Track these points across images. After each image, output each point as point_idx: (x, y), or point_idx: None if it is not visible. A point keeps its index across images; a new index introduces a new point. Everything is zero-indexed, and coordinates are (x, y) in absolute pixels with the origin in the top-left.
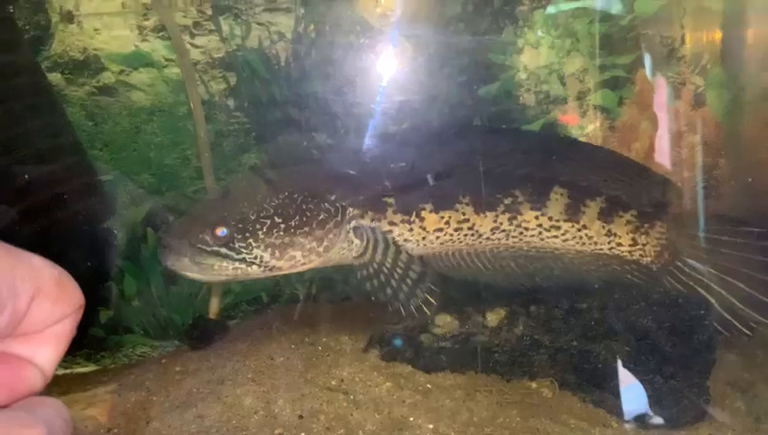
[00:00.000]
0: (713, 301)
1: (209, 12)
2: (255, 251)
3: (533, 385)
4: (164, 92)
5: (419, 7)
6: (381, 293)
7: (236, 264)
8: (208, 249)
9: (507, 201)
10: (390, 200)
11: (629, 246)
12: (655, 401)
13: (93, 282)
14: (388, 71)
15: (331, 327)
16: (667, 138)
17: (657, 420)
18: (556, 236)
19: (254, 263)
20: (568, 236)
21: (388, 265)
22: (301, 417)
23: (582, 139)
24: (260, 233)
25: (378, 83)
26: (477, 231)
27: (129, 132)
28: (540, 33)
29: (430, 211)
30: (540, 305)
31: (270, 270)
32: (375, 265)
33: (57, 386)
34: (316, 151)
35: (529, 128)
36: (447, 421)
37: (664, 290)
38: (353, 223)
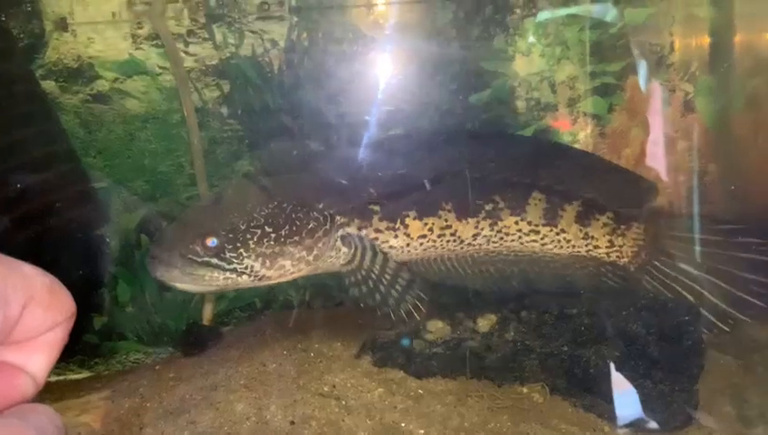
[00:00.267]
0: (690, 298)
1: (203, 20)
2: (246, 261)
3: (524, 390)
4: (158, 100)
5: (411, 16)
6: (370, 299)
7: (227, 274)
8: (199, 260)
9: (488, 207)
10: (376, 208)
11: (606, 247)
12: (644, 405)
13: (87, 288)
14: (380, 78)
15: (324, 333)
16: (660, 143)
17: (647, 424)
18: (535, 241)
19: (244, 273)
20: (547, 240)
21: (376, 272)
22: (293, 423)
23: (574, 145)
24: (250, 243)
25: (370, 91)
26: (459, 237)
27: (123, 140)
28: (531, 39)
29: (414, 218)
30: (530, 311)
31: (260, 280)
32: (363, 272)
33: (51, 393)
34: (307, 158)
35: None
36: (439, 427)
37: (653, 295)
38: (341, 231)
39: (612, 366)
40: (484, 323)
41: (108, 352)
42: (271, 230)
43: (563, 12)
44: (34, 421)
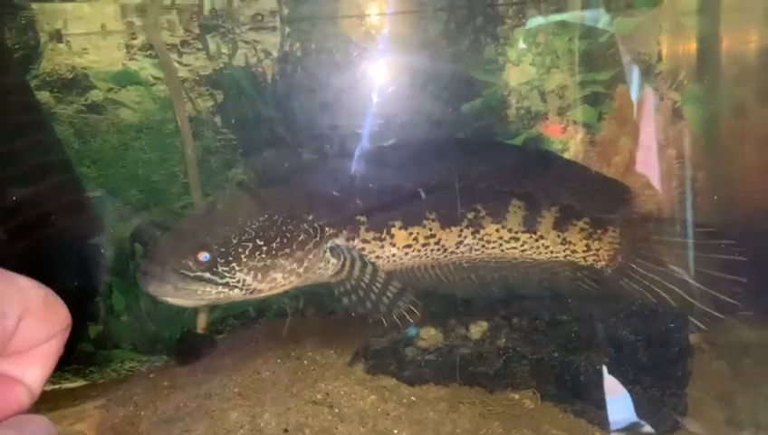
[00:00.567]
0: (667, 298)
1: (196, 31)
2: (238, 275)
3: (516, 397)
4: (152, 110)
5: (403, 26)
6: (360, 307)
7: (219, 288)
8: (191, 275)
9: (470, 216)
10: (363, 219)
11: (583, 252)
12: (634, 410)
13: (82, 298)
14: (372, 88)
15: (317, 341)
16: (649, 151)
17: (638, 429)
18: (515, 248)
19: (236, 286)
20: (526, 246)
21: (366, 282)
22: (286, 431)
23: (564, 153)
24: (242, 256)
25: (362, 101)
26: (443, 246)
27: (117, 149)
28: (522, 45)
29: (400, 228)
30: (522, 317)
31: (251, 293)
32: (352, 282)
33: (46, 402)
34: (296, 168)
35: (511, 143)
36: (431, 434)
37: (637, 298)
38: (330, 242)
39: (602, 372)
40: (476, 330)
41: (103, 361)
42: (262, 243)
43: (555, 18)
44: (31, 432)
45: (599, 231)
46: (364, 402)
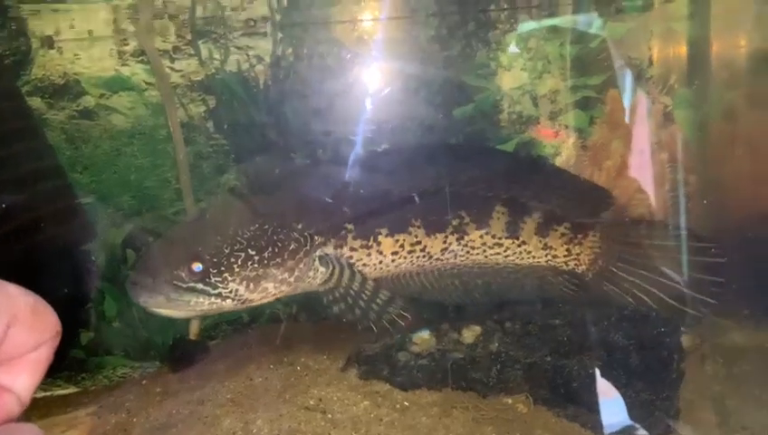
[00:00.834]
0: (647, 301)
1: (189, 36)
2: (231, 285)
3: (509, 401)
4: (144, 116)
5: (395, 32)
6: (350, 314)
7: (212, 298)
8: (184, 286)
9: (455, 222)
10: (350, 226)
11: (564, 256)
12: (627, 414)
13: (74, 304)
14: (364, 94)
15: (310, 347)
16: (642, 155)
17: (630, 432)
18: (499, 253)
19: (228, 297)
20: (509, 252)
21: (355, 290)
22: None
23: (556, 158)
24: (235, 266)
25: (354, 106)
26: (429, 252)
27: (109, 155)
28: (514, 48)
29: (386, 235)
30: (514, 322)
31: (242, 303)
32: (341, 291)
33: (37, 409)
34: (286, 176)
35: (504, 147)
36: None
37: (633, 307)
38: (319, 251)
39: (595, 376)
40: (469, 334)
41: (94, 368)
42: (254, 253)
43: (547, 23)
44: None
45: (579, 236)
46: (357, 408)
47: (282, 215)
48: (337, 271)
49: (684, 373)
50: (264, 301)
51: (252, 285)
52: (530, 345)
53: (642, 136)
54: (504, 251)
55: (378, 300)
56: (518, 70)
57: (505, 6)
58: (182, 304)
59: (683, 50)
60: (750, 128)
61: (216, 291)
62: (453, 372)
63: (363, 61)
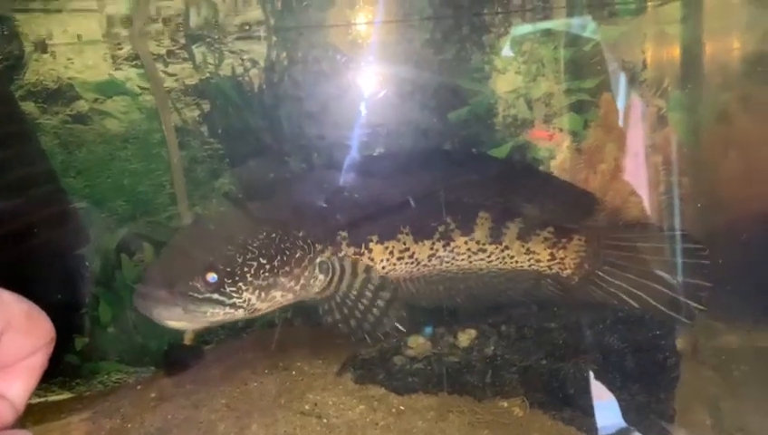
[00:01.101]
0: (634, 304)
1: (183, 41)
2: (245, 295)
3: (505, 404)
4: (138, 120)
5: (390, 35)
6: (345, 326)
7: (227, 309)
8: (200, 297)
9: (441, 229)
10: (344, 234)
11: (548, 261)
12: (623, 417)
13: (68, 309)
14: (359, 97)
15: (305, 351)
16: (638, 157)
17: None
18: (482, 259)
19: (241, 307)
20: (492, 257)
21: (353, 297)
22: None
23: (551, 162)
24: (248, 276)
25: (348, 110)
26: (417, 259)
27: (103, 160)
28: (508, 51)
29: (376, 242)
30: (510, 325)
31: (252, 312)
32: (338, 298)
33: (32, 415)
34: (282, 182)
35: (498, 150)
36: None
37: (628, 310)
38: (319, 258)
39: (590, 379)
40: (464, 338)
41: (89, 373)
42: (265, 262)
43: (543, 26)
44: None
45: (563, 240)
46: (353, 413)
47: (285, 223)
48: (337, 275)
49: (679, 376)
50: (269, 310)
51: (263, 294)
52: (525, 349)
53: (636, 139)
54: (488, 256)
55: (377, 305)
56: (512, 73)
57: (499, 10)
58: (199, 315)
59: (676, 53)
60: (743, 130)
61: (231, 301)
62: (448, 376)
63: (357, 65)
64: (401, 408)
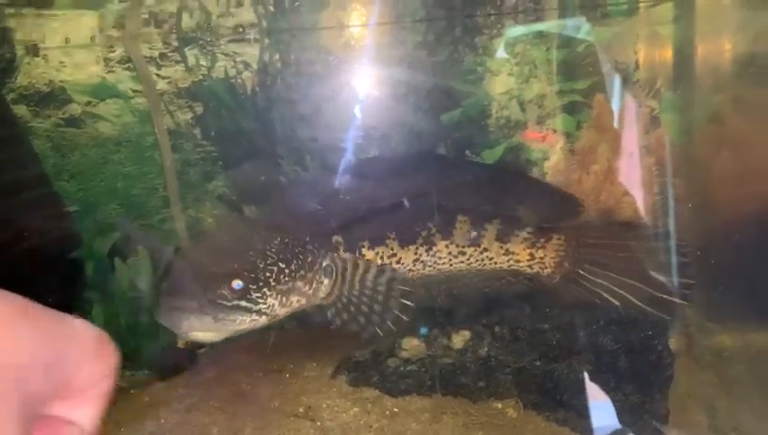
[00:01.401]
0: (615, 302)
1: (175, 43)
2: (269, 300)
3: (499, 406)
4: (131, 123)
5: (382, 37)
6: (354, 324)
7: (253, 316)
8: (229, 304)
9: (424, 234)
10: (340, 239)
11: (527, 261)
12: (617, 418)
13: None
14: (352, 100)
15: (299, 354)
16: (631, 158)
17: None
18: (462, 262)
19: (265, 313)
20: (472, 259)
21: (356, 292)
22: None
23: (545, 163)
24: (271, 281)
25: (341, 112)
26: (403, 263)
27: (96, 163)
28: (501, 53)
29: (368, 248)
30: (504, 326)
31: (272, 319)
32: (344, 299)
33: None
34: (282, 186)
35: (491, 152)
36: None
37: (620, 310)
38: (325, 262)
39: (584, 380)
40: (459, 339)
41: None
42: (284, 266)
43: (537, 27)
44: None
45: (542, 240)
46: (347, 415)
47: (293, 228)
48: (339, 277)
49: (673, 376)
50: (284, 316)
51: (284, 299)
52: (519, 350)
53: (630, 139)
54: (468, 259)
55: (379, 287)
56: (505, 75)
57: (491, 12)
58: (228, 323)
59: (669, 54)
60: (735, 131)
61: (258, 307)
62: (442, 378)
63: (350, 67)
64: (395, 410)
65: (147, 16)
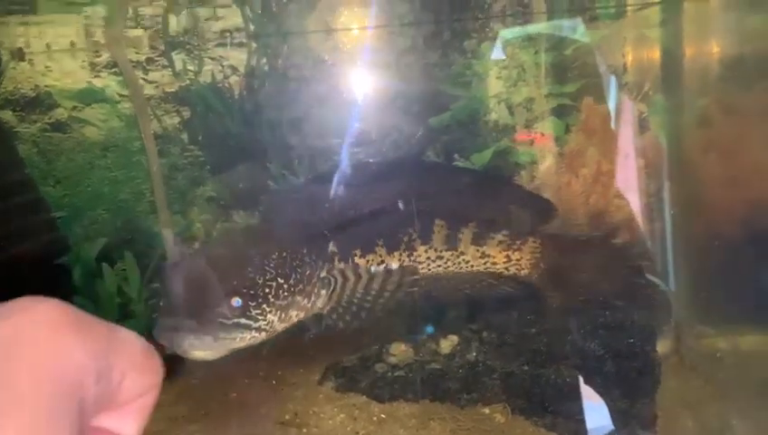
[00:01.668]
0: (590, 299)
1: (162, 48)
2: (269, 316)
3: (486, 411)
4: (117, 128)
5: (370, 41)
6: (357, 321)
7: (253, 333)
8: (229, 323)
9: (406, 239)
10: (335, 249)
11: (504, 263)
12: (604, 422)
13: None
14: (339, 103)
15: (286, 360)
16: (630, 160)
17: None
18: (440, 266)
19: (265, 329)
20: (449, 263)
21: (359, 295)
22: None
23: (534, 166)
24: (270, 297)
25: (329, 116)
26: (389, 270)
27: (82, 168)
28: (492, 56)
29: (359, 257)
30: (491, 331)
31: (270, 334)
32: (344, 304)
33: None
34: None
35: (479, 156)
36: None
37: (609, 314)
38: (322, 274)
39: (572, 385)
40: (447, 344)
41: None
42: (282, 281)
43: (533, 30)
44: None
45: (518, 242)
46: (333, 422)
47: (291, 241)
48: (338, 285)
49: (660, 380)
50: (281, 330)
51: (283, 315)
52: (507, 355)
53: (624, 142)
54: (445, 263)
55: (386, 290)
56: (494, 78)
57: (480, 15)
58: (228, 342)
59: (657, 56)
60: (723, 133)
61: (257, 324)
62: (430, 383)
63: (338, 70)
64: (382, 416)
65: (133, 20)
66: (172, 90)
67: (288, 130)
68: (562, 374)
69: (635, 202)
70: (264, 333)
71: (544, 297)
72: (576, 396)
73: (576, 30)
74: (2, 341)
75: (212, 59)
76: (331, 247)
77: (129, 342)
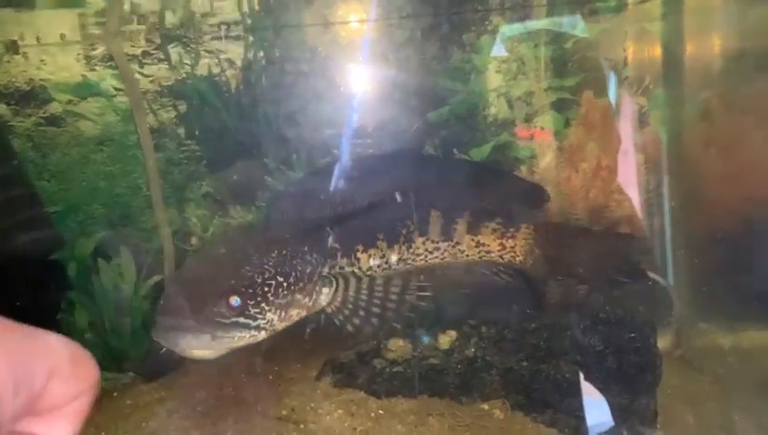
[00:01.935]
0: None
1: (158, 41)
2: (268, 315)
3: (485, 407)
4: (113, 122)
5: (368, 34)
6: (368, 326)
7: (252, 332)
8: (227, 322)
9: (404, 232)
10: (337, 245)
11: (498, 251)
12: (605, 418)
13: (43, 315)
14: (337, 97)
15: (284, 356)
16: (622, 156)
17: None
18: (437, 257)
19: (264, 328)
20: (446, 254)
21: (365, 298)
22: None
23: (534, 160)
24: (269, 295)
25: (326, 110)
26: (389, 263)
27: (77, 163)
28: (491, 50)
29: (362, 252)
30: (490, 326)
31: (270, 333)
32: (350, 305)
33: None
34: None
35: (478, 150)
36: None
37: (610, 310)
38: (324, 271)
39: (571, 381)
40: (445, 339)
41: None
42: (282, 280)
43: (535, 25)
44: None
45: (512, 229)
46: (331, 417)
47: (291, 239)
48: (341, 287)
49: (661, 376)
50: (282, 328)
51: (283, 314)
52: (506, 350)
53: (625, 137)
54: (441, 254)
55: (391, 295)
56: (493, 72)
57: (479, 8)
58: (227, 340)
59: (657, 50)
60: (724, 128)
61: (256, 323)
62: (429, 379)
63: (336, 64)
64: (380, 412)
65: (129, 13)
66: (168, 83)
67: (285, 123)
68: (562, 370)
69: (635, 197)
70: (263, 332)
71: (540, 285)
72: (576, 392)
73: (576, 24)
74: None
75: (208, 52)
76: (332, 243)
77: (55, 348)
